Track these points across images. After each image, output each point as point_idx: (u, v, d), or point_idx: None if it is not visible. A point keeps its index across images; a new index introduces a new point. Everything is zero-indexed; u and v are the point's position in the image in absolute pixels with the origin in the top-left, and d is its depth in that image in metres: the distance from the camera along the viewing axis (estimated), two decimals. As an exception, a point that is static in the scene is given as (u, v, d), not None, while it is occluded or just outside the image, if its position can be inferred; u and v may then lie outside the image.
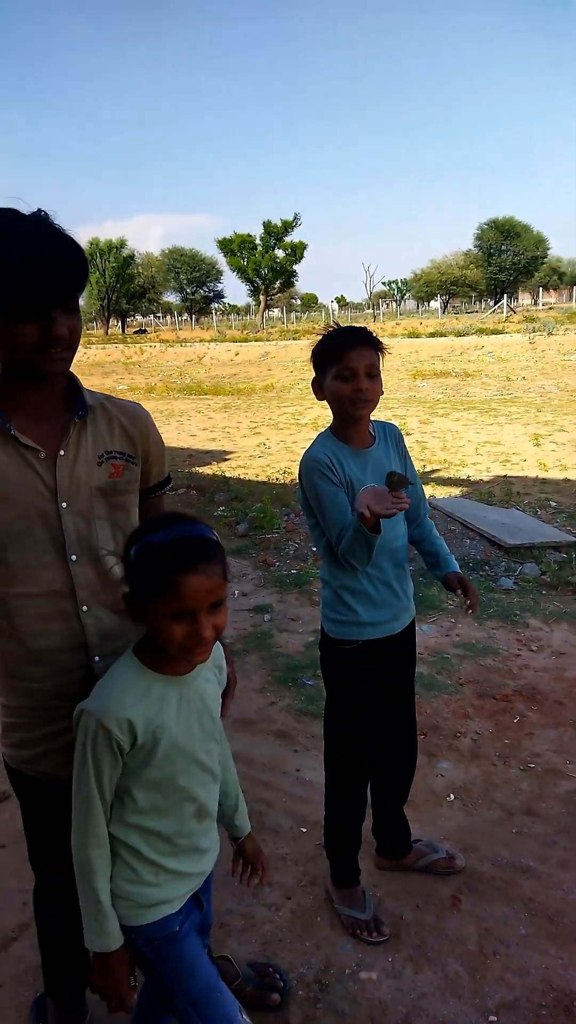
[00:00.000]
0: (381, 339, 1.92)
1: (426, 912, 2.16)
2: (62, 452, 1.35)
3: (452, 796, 2.67)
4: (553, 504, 6.52)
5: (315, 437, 2.00)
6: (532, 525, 5.55)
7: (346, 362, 1.82)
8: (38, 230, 1.22)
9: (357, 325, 1.92)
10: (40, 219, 1.24)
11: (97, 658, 1.41)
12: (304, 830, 2.51)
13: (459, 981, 1.93)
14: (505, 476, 7.81)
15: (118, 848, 1.31)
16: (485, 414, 12.28)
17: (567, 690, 3.38)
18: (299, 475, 1.96)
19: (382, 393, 1.91)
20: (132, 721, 1.24)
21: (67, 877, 1.31)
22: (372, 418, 1.99)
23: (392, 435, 2.03)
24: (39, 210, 1.25)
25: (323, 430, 2.01)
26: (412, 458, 2.11)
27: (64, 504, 1.35)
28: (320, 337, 1.93)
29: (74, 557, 1.36)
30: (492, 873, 2.29)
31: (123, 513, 1.44)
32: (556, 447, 9.22)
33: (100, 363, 27.89)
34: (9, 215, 1.22)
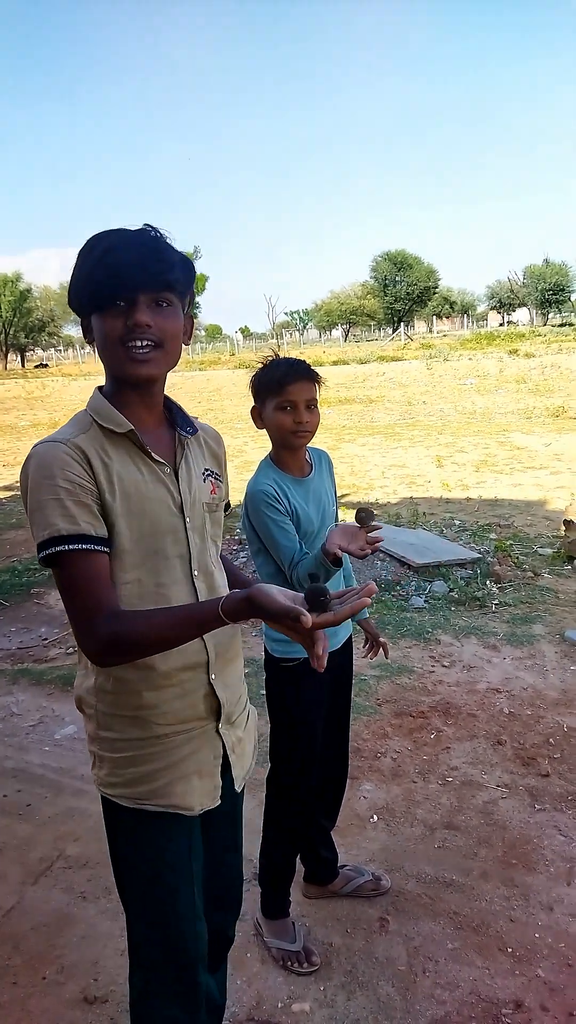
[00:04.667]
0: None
1: (355, 937, 2.16)
2: (180, 468, 1.36)
3: (375, 817, 2.70)
4: (457, 523, 6.76)
5: (257, 466, 2.04)
6: (439, 544, 5.73)
7: (287, 395, 1.88)
8: (131, 231, 1.24)
9: (295, 357, 1.98)
10: (143, 228, 1.25)
11: (214, 675, 1.38)
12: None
13: (391, 1003, 1.94)
14: (411, 498, 8.05)
15: None
16: (390, 438, 12.65)
17: (479, 702, 3.49)
18: (244, 506, 1.98)
19: (319, 423, 1.96)
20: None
21: (179, 953, 1.37)
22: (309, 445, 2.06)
23: (325, 462, 2.10)
24: (145, 224, 1.26)
25: (263, 459, 2.05)
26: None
27: (188, 519, 1.35)
28: (260, 366, 1.96)
29: (196, 573, 1.36)
30: (417, 890, 2.32)
31: (219, 529, 1.48)
32: (457, 468, 9.58)
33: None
34: (113, 228, 1.25)
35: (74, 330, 62.75)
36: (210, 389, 23.62)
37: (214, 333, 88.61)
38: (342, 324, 62.76)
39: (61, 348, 71.88)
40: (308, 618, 1.06)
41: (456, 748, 3.11)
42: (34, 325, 56.84)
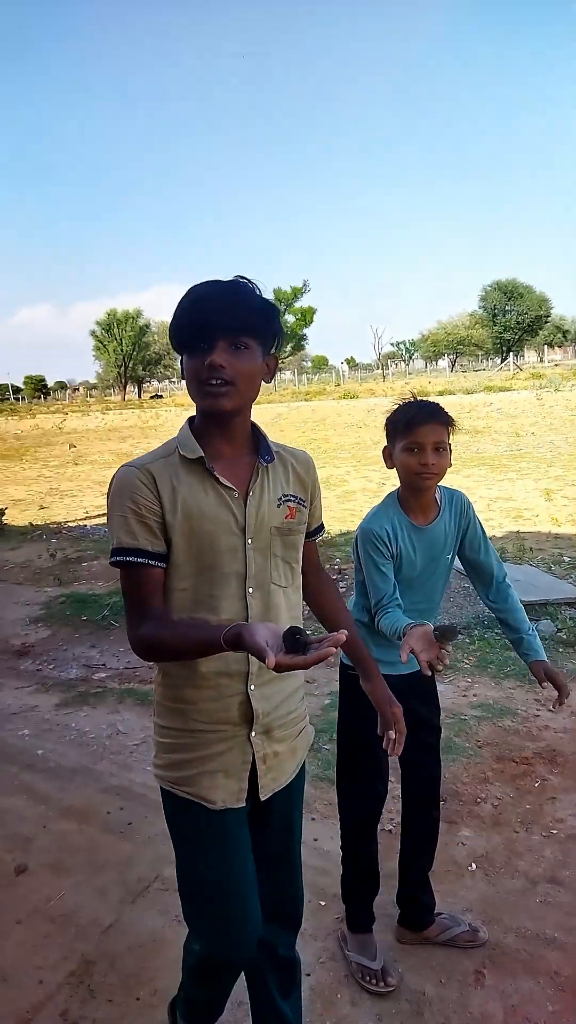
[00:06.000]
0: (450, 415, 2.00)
1: (449, 988, 2.10)
2: (251, 493, 1.48)
3: (474, 865, 2.62)
4: (567, 559, 6.50)
5: (384, 497, 2.10)
6: (546, 581, 5.53)
7: (415, 436, 1.92)
8: (221, 281, 1.41)
9: (430, 400, 2.02)
10: (233, 279, 1.42)
11: (253, 687, 1.50)
12: (323, 903, 2.46)
13: (486, 1062, 1.86)
14: (518, 532, 7.81)
15: None
16: (496, 470, 12.36)
17: (588, 751, 3.32)
18: (356, 534, 2.08)
19: (449, 466, 1.98)
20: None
21: (224, 926, 1.53)
22: (445, 487, 2.09)
23: (457, 506, 2.08)
24: (237, 276, 1.43)
25: (390, 492, 2.10)
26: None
27: (250, 540, 1.47)
28: (396, 407, 2.02)
29: (251, 590, 1.48)
30: (516, 945, 2.23)
31: (295, 552, 1.58)
32: (568, 502, 9.23)
33: (117, 428, 28.40)
34: (209, 280, 1.42)
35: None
36: (315, 419, 23.87)
37: (320, 364, 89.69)
38: (449, 354, 62.14)
39: (175, 380, 74.79)
40: (272, 659, 1.16)
41: (563, 799, 2.97)
42: (151, 358, 59.75)
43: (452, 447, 2.00)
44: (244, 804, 1.53)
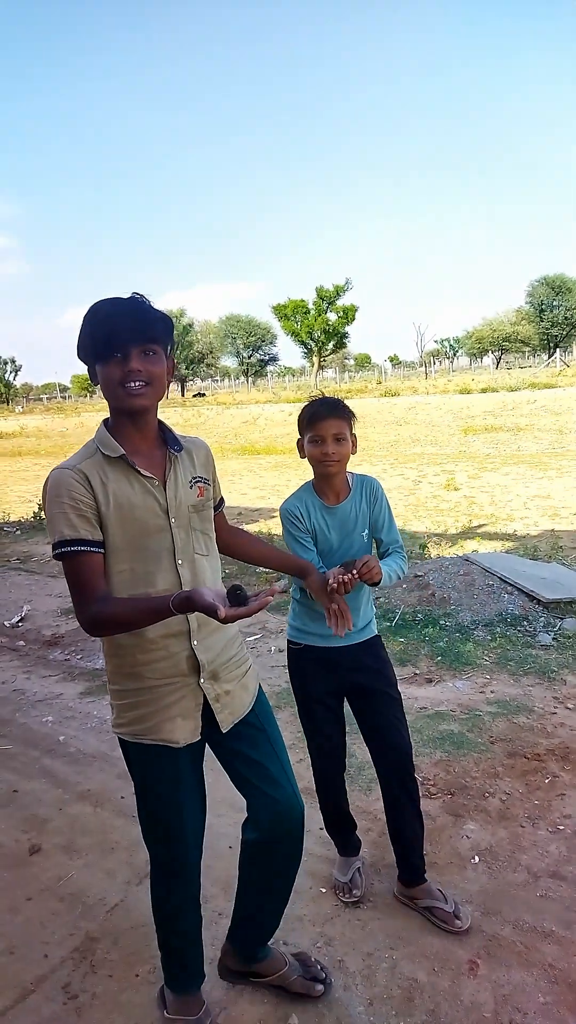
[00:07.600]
0: (350, 406, 2.29)
1: (442, 976, 2.11)
2: (168, 480, 1.71)
3: (477, 858, 2.62)
4: (600, 558, 6.38)
5: (302, 484, 2.33)
6: (573, 579, 5.45)
7: (316, 430, 2.17)
8: (122, 299, 1.61)
9: (332, 396, 2.26)
10: (131, 296, 1.63)
11: (196, 642, 1.74)
12: (323, 890, 2.49)
13: (472, 1050, 1.87)
14: (553, 530, 7.71)
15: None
16: (535, 468, 12.17)
17: (603, 749, 3.28)
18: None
19: (354, 453, 2.24)
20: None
21: (176, 851, 1.84)
22: (358, 473, 2.33)
23: (368, 489, 2.30)
24: (134, 293, 1.63)
25: (307, 481, 2.32)
26: (394, 507, 2.38)
27: (173, 520, 1.70)
28: (304, 404, 2.24)
29: (180, 562, 1.71)
30: (513, 938, 2.23)
31: (209, 524, 1.83)
32: (607, 500, 9.05)
33: (158, 427, 28.66)
34: (109, 298, 1.62)
35: (230, 361, 65.85)
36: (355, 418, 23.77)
37: (363, 362, 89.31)
38: (493, 351, 61.24)
39: (218, 378, 75.53)
40: (223, 612, 1.39)
41: (572, 796, 2.94)
42: (194, 357, 60.28)
43: (356, 437, 2.23)
44: (199, 738, 1.79)
